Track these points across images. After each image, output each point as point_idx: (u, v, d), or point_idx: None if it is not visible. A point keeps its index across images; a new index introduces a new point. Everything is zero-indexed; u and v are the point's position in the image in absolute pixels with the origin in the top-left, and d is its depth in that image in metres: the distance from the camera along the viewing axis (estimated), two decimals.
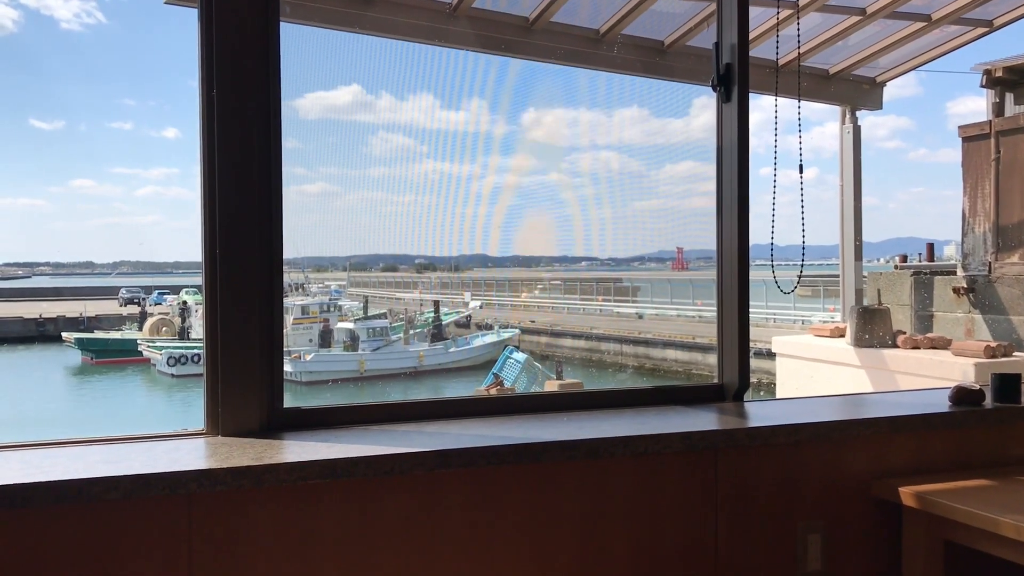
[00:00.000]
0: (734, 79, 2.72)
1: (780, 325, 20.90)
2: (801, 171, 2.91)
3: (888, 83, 8.29)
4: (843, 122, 8.19)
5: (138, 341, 28.10)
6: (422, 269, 34.79)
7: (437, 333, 26.67)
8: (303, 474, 1.99)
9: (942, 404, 2.80)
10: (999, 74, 7.40)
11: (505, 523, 2.22)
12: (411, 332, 26.17)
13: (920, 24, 6.97)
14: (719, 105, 2.78)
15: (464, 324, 29.03)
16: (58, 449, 2.10)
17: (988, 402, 2.82)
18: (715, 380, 2.85)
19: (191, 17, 2.34)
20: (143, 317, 31.93)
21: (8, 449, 2.09)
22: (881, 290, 7.52)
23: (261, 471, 1.95)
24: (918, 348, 6.35)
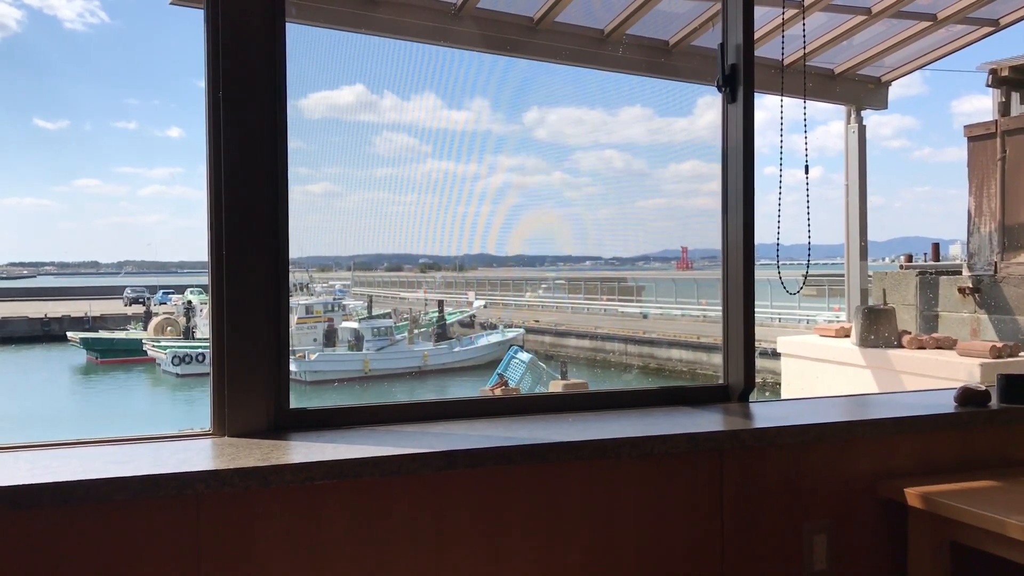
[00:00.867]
0: (739, 80, 2.72)
1: (785, 325, 20.86)
2: (807, 171, 2.90)
3: (893, 82, 8.28)
4: (848, 122, 8.19)
5: (143, 341, 28.12)
6: (426, 269, 34.79)
7: (441, 333, 26.67)
8: (310, 475, 1.99)
9: (948, 405, 2.80)
10: (1005, 73, 7.38)
11: (512, 523, 2.23)
12: (415, 332, 26.16)
13: (926, 23, 6.97)
14: (724, 105, 2.77)
15: (468, 324, 29.02)
16: (66, 450, 2.11)
17: (994, 403, 2.82)
18: (720, 381, 2.85)
19: (196, 17, 2.36)
20: (148, 317, 31.94)
21: (16, 450, 2.10)
22: (886, 290, 7.51)
23: (268, 472, 1.95)
24: (923, 348, 6.34)
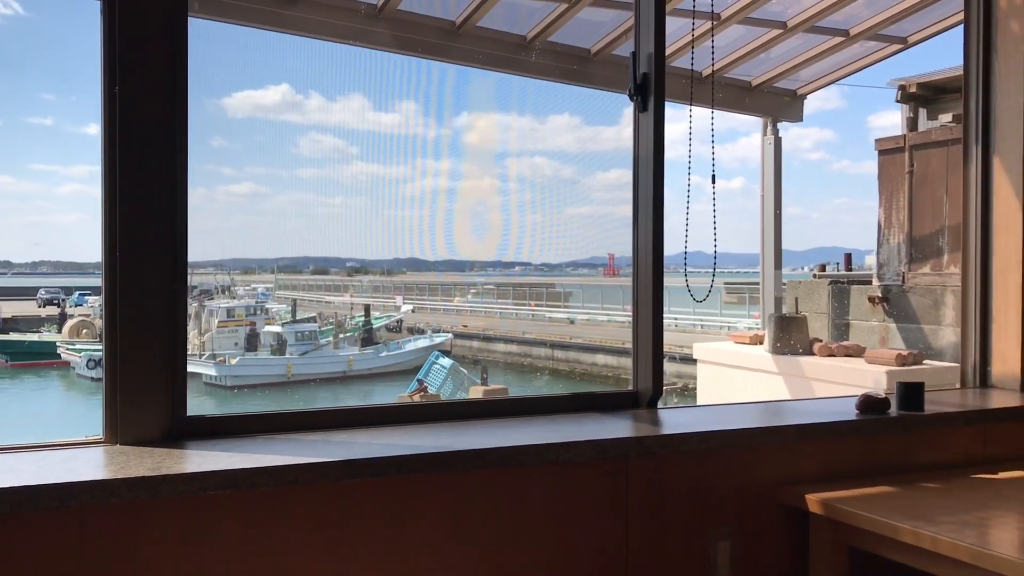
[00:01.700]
0: (651, 89, 2.74)
1: (707, 331, 21.21)
2: (714, 181, 2.95)
3: (810, 96, 8.51)
4: (764, 133, 8.37)
5: (57, 343, 27.18)
6: (353, 272, 34.39)
7: (368, 337, 26.38)
8: (203, 484, 1.92)
9: (849, 412, 2.86)
10: (913, 90, 7.65)
11: (416, 533, 2.19)
12: (341, 336, 25.84)
13: (839, 39, 7.17)
14: (635, 114, 2.79)
15: (395, 328, 28.80)
16: None
17: (893, 410, 2.89)
18: (630, 387, 2.87)
19: None
20: (63, 319, 30.88)
21: None
22: (799, 298, 7.70)
23: (157, 482, 1.88)
24: (833, 356, 6.50)
